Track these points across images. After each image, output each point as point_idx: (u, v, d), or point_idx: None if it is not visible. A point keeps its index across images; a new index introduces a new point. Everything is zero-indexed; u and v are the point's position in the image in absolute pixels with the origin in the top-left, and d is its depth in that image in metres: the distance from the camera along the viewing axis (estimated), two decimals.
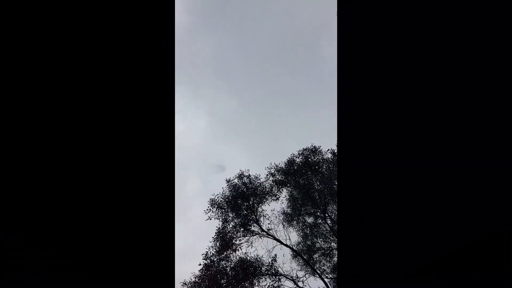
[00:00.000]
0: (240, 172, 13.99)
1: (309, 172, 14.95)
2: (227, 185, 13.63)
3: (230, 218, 12.89)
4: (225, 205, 13.03)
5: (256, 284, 11.79)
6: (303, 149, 15.51)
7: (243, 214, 13.08)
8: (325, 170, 14.68)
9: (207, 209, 13.07)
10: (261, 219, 13.70)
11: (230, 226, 12.73)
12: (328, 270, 14.31)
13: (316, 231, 15.21)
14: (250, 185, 13.96)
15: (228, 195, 13.36)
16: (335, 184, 14.56)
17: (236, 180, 13.80)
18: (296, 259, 15.02)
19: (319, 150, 15.01)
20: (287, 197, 15.39)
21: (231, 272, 11.53)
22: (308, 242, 15.05)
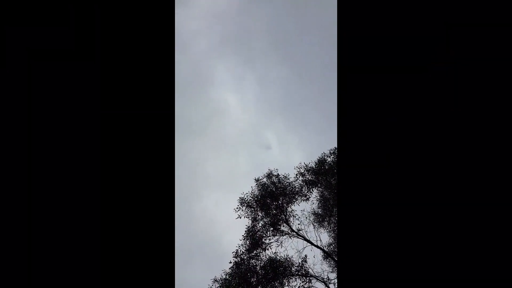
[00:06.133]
0: (269, 171, 13.98)
1: None
2: (256, 184, 13.68)
3: (259, 217, 12.91)
4: (254, 204, 13.07)
5: (286, 284, 11.68)
6: (335, 148, 15.16)
7: (272, 214, 13.04)
8: None
9: (237, 208, 13.20)
10: (291, 219, 13.57)
11: (260, 225, 12.75)
12: None
13: None
14: (279, 185, 13.90)
15: (257, 194, 13.40)
16: None
17: (265, 180, 13.81)
18: (327, 260, 14.67)
19: None
20: (318, 197, 15.11)
21: (261, 271, 11.52)
22: None
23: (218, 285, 11.44)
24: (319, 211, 15.15)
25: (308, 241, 13.26)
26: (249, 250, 11.95)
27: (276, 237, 12.92)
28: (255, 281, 11.11)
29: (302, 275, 12.08)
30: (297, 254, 16.19)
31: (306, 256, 12.67)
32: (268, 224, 12.81)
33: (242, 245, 12.21)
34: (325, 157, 15.10)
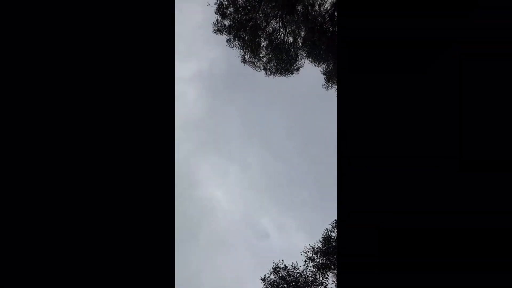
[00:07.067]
0: (275, 264, 12.14)
1: None
2: (264, 285, 11.62)
3: None
4: None
5: None
6: (335, 220, 13.98)
7: None
8: None
9: None
10: None
11: None
12: None
13: None
14: (290, 278, 11.93)
15: None
16: None
17: (272, 276, 11.85)
18: None
19: None
20: (335, 281, 13.09)
21: None
22: None
23: None
24: None
25: None
26: None
27: None
28: None
29: None
30: None
31: None
32: None
33: None
34: (329, 232, 13.75)
